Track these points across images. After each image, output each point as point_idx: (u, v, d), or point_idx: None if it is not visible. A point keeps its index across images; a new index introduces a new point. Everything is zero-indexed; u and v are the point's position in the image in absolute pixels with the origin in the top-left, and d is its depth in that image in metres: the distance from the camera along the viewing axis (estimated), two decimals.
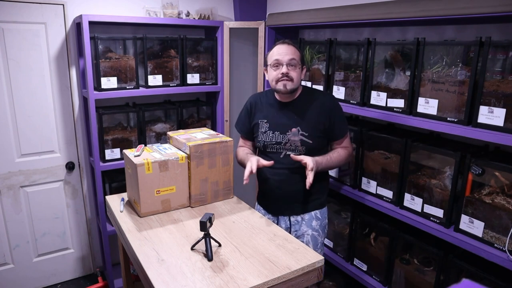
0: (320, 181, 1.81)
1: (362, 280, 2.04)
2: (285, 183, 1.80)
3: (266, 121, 1.83)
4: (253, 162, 1.69)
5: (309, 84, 2.26)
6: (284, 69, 1.69)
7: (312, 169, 1.62)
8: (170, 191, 1.77)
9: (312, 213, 1.85)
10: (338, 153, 1.80)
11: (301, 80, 1.79)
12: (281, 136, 1.78)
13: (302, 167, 1.68)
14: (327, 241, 2.27)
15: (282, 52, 1.70)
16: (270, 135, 1.80)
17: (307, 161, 1.63)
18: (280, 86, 1.71)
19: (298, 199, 1.83)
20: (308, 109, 1.77)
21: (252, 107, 1.89)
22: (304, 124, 1.76)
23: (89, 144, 2.55)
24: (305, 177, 1.64)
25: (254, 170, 1.68)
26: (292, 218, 1.86)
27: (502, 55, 1.40)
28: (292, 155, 1.71)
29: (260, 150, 1.89)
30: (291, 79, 1.70)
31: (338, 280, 2.29)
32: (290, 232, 1.85)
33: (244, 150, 1.91)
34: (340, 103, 1.83)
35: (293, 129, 1.76)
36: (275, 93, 1.82)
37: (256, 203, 2.00)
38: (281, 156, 1.79)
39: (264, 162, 1.72)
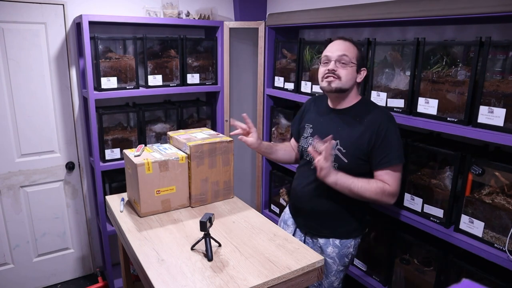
0: (348, 206, 1.58)
1: (362, 280, 2.04)
2: (305, 198, 1.65)
3: (311, 126, 1.67)
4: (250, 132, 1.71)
5: (309, 84, 2.25)
6: (331, 66, 1.51)
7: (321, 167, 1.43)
8: (170, 191, 1.76)
9: (330, 240, 1.65)
10: (369, 182, 1.48)
11: (356, 82, 1.57)
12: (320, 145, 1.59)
13: (328, 188, 1.50)
14: None
15: (334, 48, 1.53)
16: (310, 141, 1.64)
17: (320, 162, 1.43)
18: (324, 83, 1.54)
19: (315, 220, 1.65)
20: (355, 123, 1.55)
21: (306, 108, 1.76)
22: (345, 139, 1.54)
23: (89, 144, 2.55)
24: (329, 199, 1.55)
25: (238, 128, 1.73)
26: (306, 237, 1.73)
27: (502, 55, 1.39)
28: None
29: (299, 157, 1.76)
30: (338, 77, 1.50)
31: None
32: None
33: (279, 144, 1.87)
34: None
35: (332, 141, 1.51)
36: (328, 97, 1.67)
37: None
38: (312, 167, 1.58)
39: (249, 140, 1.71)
